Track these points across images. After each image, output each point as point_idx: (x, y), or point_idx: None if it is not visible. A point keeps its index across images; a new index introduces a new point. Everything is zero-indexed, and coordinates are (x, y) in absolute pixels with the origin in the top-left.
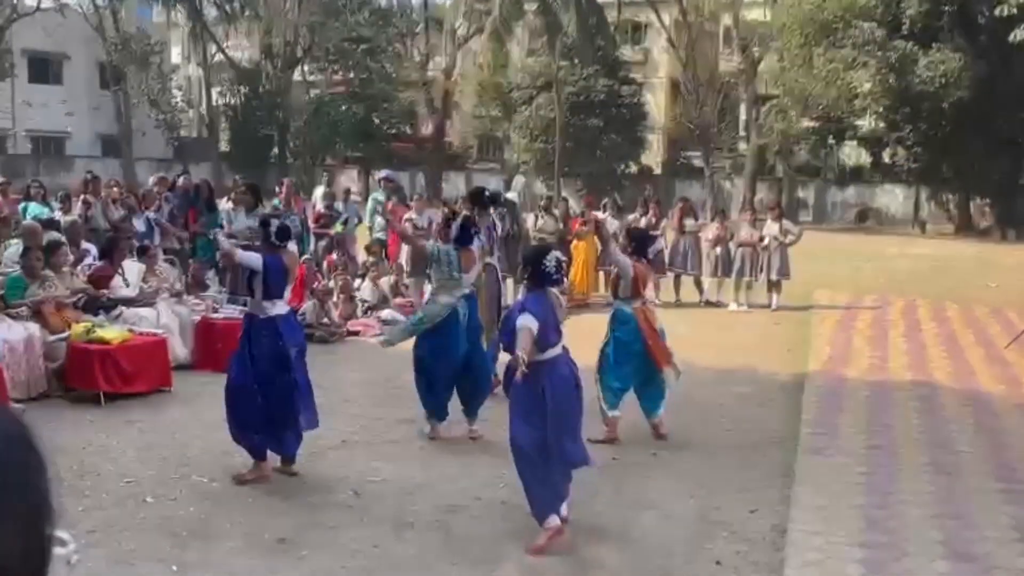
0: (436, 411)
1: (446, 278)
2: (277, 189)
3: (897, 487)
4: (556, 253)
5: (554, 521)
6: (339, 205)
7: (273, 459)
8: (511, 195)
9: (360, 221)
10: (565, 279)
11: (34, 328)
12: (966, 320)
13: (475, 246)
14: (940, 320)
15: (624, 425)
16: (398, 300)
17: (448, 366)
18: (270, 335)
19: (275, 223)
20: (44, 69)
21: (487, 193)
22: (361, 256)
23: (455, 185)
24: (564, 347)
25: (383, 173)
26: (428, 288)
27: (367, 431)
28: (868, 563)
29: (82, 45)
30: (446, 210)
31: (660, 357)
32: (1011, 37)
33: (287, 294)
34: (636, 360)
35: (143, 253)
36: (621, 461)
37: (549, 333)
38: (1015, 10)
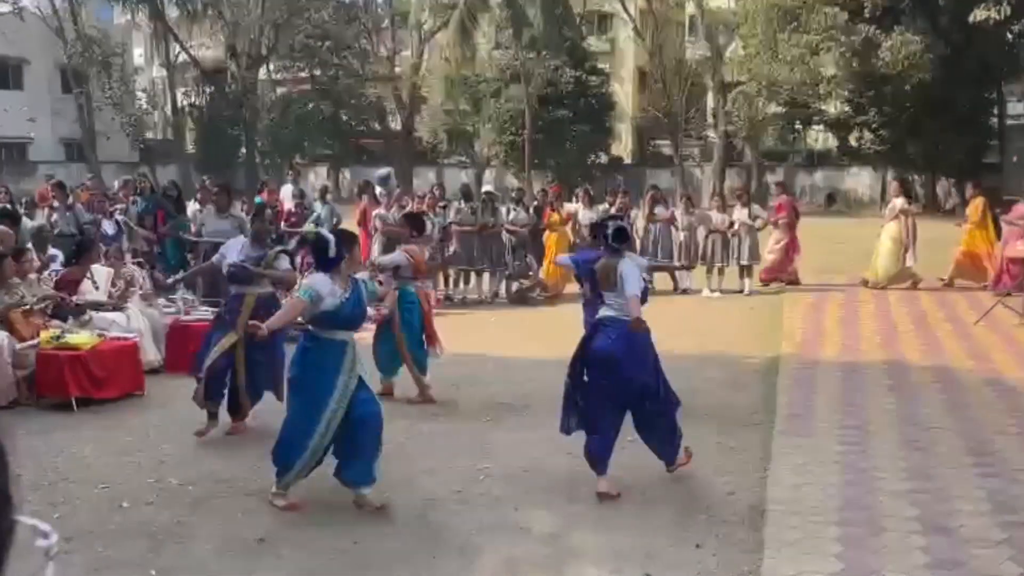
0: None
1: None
2: (260, 189)
3: (872, 465)
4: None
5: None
6: (316, 204)
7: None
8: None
9: (339, 221)
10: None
11: (2, 336)
12: (935, 298)
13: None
14: (910, 299)
15: None
16: None
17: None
18: None
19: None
20: (3, 74)
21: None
22: None
23: (426, 180)
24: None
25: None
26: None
27: None
28: (846, 540)
29: (42, 49)
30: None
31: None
32: (971, 17)
33: None
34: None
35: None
36: None
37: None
38: None
